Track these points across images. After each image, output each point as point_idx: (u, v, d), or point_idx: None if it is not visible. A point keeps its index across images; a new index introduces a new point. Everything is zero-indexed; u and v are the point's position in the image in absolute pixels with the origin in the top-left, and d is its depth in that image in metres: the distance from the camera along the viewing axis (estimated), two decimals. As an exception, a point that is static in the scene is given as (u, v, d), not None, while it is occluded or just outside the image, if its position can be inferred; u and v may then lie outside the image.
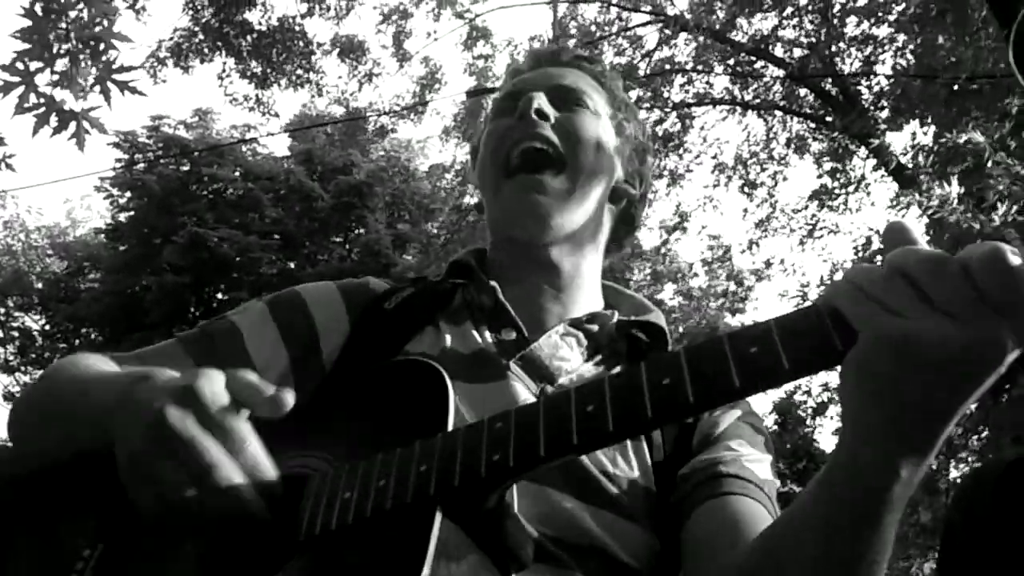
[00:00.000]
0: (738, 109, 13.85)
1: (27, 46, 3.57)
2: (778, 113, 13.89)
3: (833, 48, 12.36)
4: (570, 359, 1.26)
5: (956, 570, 1.43)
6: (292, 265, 20.72)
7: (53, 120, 3.56)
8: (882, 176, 12.70)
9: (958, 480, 10.84)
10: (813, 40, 12.55)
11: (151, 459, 0.88)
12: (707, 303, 19.68)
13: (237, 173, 21.68)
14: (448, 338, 1.25)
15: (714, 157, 14.44)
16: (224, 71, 15.00)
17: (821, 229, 14.10)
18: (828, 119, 12.68)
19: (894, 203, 7.70)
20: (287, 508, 0.96)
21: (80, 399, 1.09)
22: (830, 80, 12.42)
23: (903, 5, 11.32)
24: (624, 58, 12.84)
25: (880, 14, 11.76)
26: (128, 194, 21.67)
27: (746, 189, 14.54)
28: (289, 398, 0.93)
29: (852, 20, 12.28)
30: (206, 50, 14.51)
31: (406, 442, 0.92)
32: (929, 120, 9.48)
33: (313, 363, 1.26)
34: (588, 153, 1.34)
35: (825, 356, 0.77)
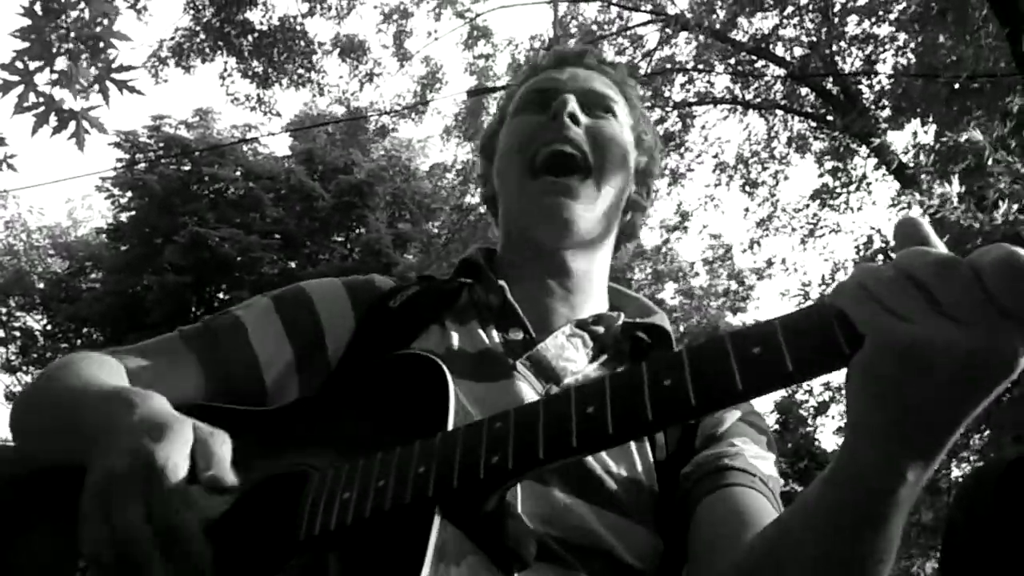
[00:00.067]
0: (739, 108, 13.85)
1: (27, 45, 3.56)
2: (779, 112, 13.89)
3: (834, 47, 12.36)
4: (576, 360, 1.26)
5: (958, 570, 1.43)
6: (293, 265, 20.72)
7: (52, 119, 3.55)
8: (883, 175, 12.70)
9: (960, 479, 10.84)
10: (814, 39, 12.55)
11: (97, 503, 0.88)
12: (708, 302, 19.68)
13: (238, 173, 21.68)
14: (455, 337, 1.25)
15: (715, 156, 14.45)
16: (226, 70, 15.01)
17: (822, 228, 14.11)
18: (829, 118, 12.67)
19: (895, 202, 7.69)
20: (287, 507, 0.95)
21: (71, 414, 1.07)
22: (831, 79, 12.41)
23: (904, 4, 11.32)
24: (625, 57, 12.83)
25: (881, 13, 11.76)
26: (129, 194, 21.68)
27: (747, 188, 14.55)
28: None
29: (853, 19, 12.28)
30: (207, 50, 14.51)
31: (407, 440, 0.91)
32: (930, 119, 9.47)
33: (318, 360, 1.26)
34: (614, 163, 1.34)
35: (830, 359, 0.75)
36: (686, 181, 14.71)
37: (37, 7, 3.56)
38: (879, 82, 12.13)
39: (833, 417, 14.47)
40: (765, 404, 19.58)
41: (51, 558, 1.05)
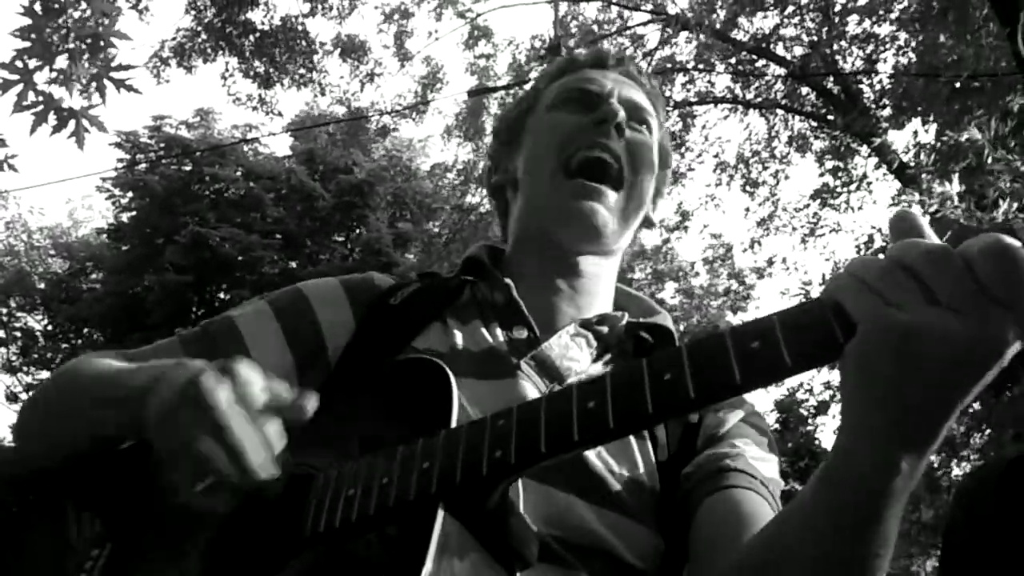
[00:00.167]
0: (740, 108, 13.86)
1: (27, 44, 3.57)
2: (780, 112, 13.90)
3: (835, 46, 12.36)
4: (579, 360, 1.25)
5: (958, 569, 1.43)
6: (294, 264, 20.71)
7: (52, 118, 3.55)
8: (884, 175, 12.71)
9: (960, 478, 10.84)
10: (815, 38, 12.56)
11: (179, 411, 0.91)
12: (708, 302, 19.68)
13: (239, 173, 21.67)
14: (458, 335, 1.24)
15: (716, 156, 14.48)
16: (227, 71, 15.03)
17: (823, 227, 14.13)
18: (830, 117, 12.68)
19: (896, 201, 7.69)
20: (292, 506, 0.96)
21: (110, 386, 1.10)
22: (832, 78, 12.42)
23: (904, 3, 11.33)
24: (625, 57, 12.82)
25: (881, 12, 11.77)
26: (130, 194, 21.67)
27: (748, 188, 14.56)
28: (310, 405, 0.95)
29: (853, 18, 12.29)
30: (209, 50, 14.53)
31: (410, 441, 0.92)
32: (931, 118, 9.47)
33: (318, 362, 1.25)
34: (645, 178, 1.35)
35: (827, 350, 0.75)
36: (687, 181, 14.73)
37: (37, 6, 3.56)
38: (880, 81, 12.14)
39: (833, 416, 14.45)
40: (765, 403, 19.61)
41: (60, 558, 1.06)
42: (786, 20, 12.82)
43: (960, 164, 6.46)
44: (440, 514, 0.84)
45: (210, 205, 21.16)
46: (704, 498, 1.10)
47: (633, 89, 1.39)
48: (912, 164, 10.25)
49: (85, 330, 22.35)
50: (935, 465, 10.89)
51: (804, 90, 13.22)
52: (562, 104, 1.37)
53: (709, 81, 13.50)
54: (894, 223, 0.77)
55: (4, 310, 23.47)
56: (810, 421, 16.30)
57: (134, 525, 1.06)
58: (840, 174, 13.58)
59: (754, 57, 13.00)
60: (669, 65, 12.79)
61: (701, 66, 13.01)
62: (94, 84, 3.54)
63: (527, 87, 1.55)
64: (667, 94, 12.77)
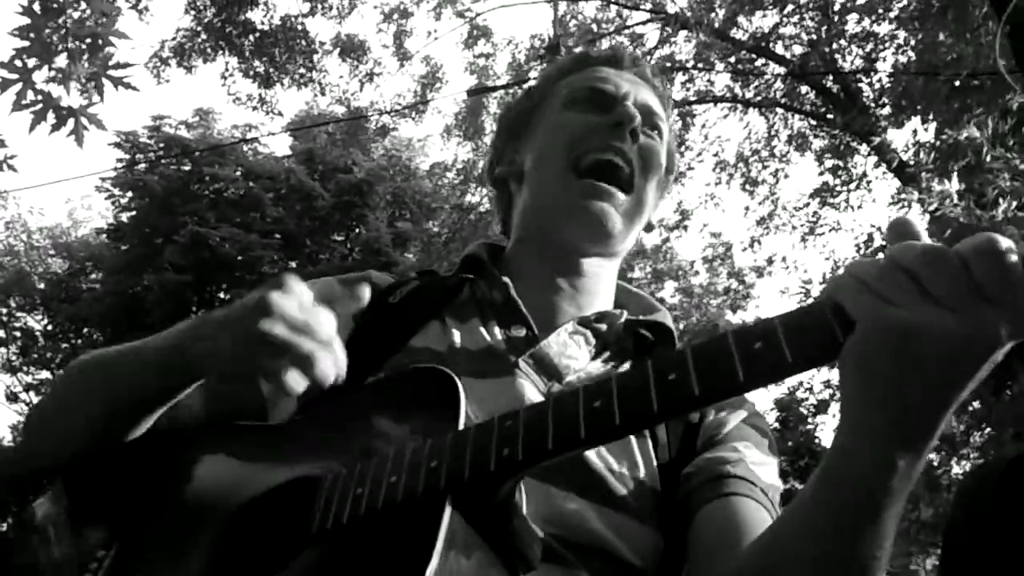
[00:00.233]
0: (739, 107, 13.87)
1: (26, 44, 3.57)
2: (779, 110, 13.91)
3: (834, 45, 12.36)
4: (578, 357, 1.25)
5: (958, 568, 1.43)
6: (293, 264, 20.71)
7: (50, 117, 3.56)
8: (883, 173, 12.71)
9: (960, 476, 10.85)
10: (814, 37, 12.55)
11: (244, 317, 0.97)
12: (708, 301, 19.68)
13: (238, 173, 21.67)
14: (456, 334, 1.24)
15: (716, 155, 14.49)
16: (227, 70, 15.03)
17: (823, 226, 14.14)
18: (829, 116, 12.69)
19: (895, 200, 7.69)
20: (299, 505, 0.97)
21: (135, 357, 1.13)
22: (831, 77, 12.42)
23: (903, 2, 11.33)
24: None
25: (881, 11, 11.76)
26: (129, 194, 21.67)
27: (747, 187, 14.57)
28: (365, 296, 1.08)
29: (853, 17, 12.29)
30: (209, 50, 14.53)
31: (417, 444, 0.93)
32: (930, 117, 9.47)
33: None
34: (652, 186, 1.35)
35: (828, 350, 0.77)
36: (686, 180, 14.71)
37: (36, 6, 3.56)
38: (879, 80, 12.14)
39: (833, 415, 14.47)
40: (765, 402, 19.62)
41: (65, 558, 1.07)
42: (785, 19, 12.83)
43: (959, 162, 6.47)
44: (448, 510, 0.84)
45: (209, 205, 21.15)
46: (703, 504, 1.10)
47: (647, 92, 1.39)
48: (912, 163, 10.25)
49: (85, 330, 22.36)
50: (935, 463, 10.91)
51: (803, 89, 13.22)
52: (576, 102, 1.36)
53: (708, 80, 13.52)
54: (892, 229, 0.79)
55: (4, 310, 23.48)
56: (810, 420, 16.32)
57: (139, 526, 1.06)
58: (840, 173, 13.60)
59: (753, 56, 13.00)
60: (668, 64, 12.78)
61: (700, 65, 13.01)
62: (92, 83, 3.54)
63: (536, 80, 1.53)
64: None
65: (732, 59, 13.02)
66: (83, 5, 3.78)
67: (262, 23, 14.43)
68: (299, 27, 14.71)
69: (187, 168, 21.66)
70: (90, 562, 1.03)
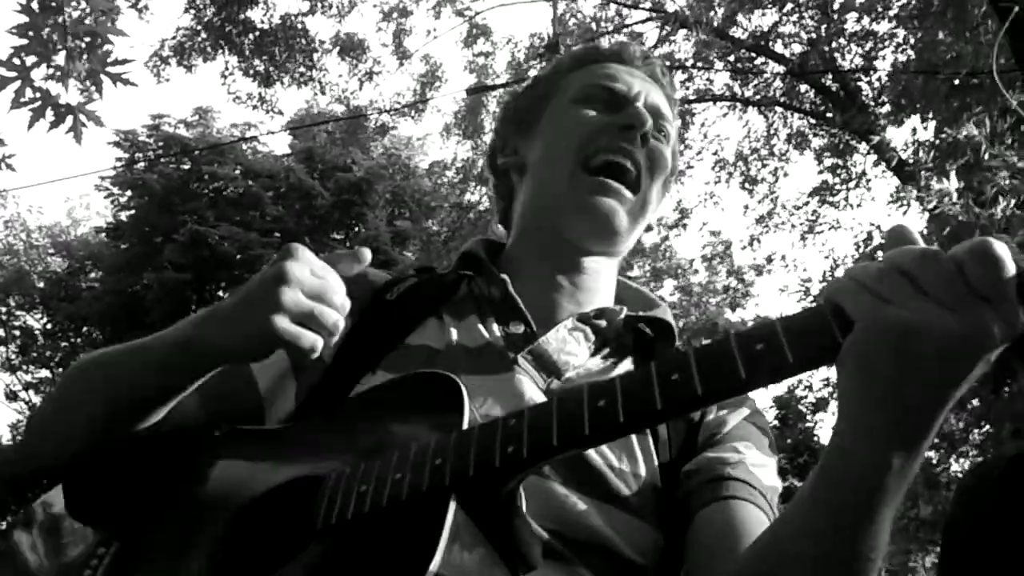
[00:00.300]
0: (739, 105, 13.87)
1: (24, 42, 3.57)
2: (779, 109, 13.91)
3: (833, 44, 12.36)
4: (577, 354, 1.25)
5: (958, 567, 1.43)
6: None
7: (49, 114, 3.56)
8: (883, 172, 12.71)
9: (959, 474, 10.86)
10: (813, 36, 12.55)
11: (272, 284, 1.00)
12: (707, 299, 19.68)
13: (237, 171, 21.65)
14: (453, 331, 1.24)
15: (715, 153, 14.49)
16: (227, 69, 15.03)
17: (822, 225, 14.15)
18: (829, 115, 12.68)
19: (895, 199, 7.70)
20: (303, 502, 0.97)
21: (135, 356, 1.14)
22: (830, 76, 12.42)
23: (903, 0, 11.31)
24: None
25: (880, 9, 11.76)
26: (129, 193, 21.65)
27: (747, 185, 14.58)
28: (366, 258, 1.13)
29: (852, 15, 12.28)
30: (209, 49, 14.53)
31: (422, 444, 0.93)
32: (930, 115, 9.47)
33: (315, 361, 1.25)
34: (657, 187, 1.34)
35: (828, 351, 0.79)
36: (686, 178, 14.71)
37: (34, 4, 3.56)
38: (879, 79, 12.14)
39: (832, 413, 14.46)
40: (764, 399, 19.62)
41: (65, 556, 1.07)
42: (785, 17, 12.82)
43: (958, 161, 6.47)
44: (452, 506, 0.85)
45: (209, 203, 21.14)
46: (702, 507, 1.11)
47: (657, 93, 1.38)
48: (911, 161, 10.25)
49: (84, 328, 22.35)
50: (934, 461, 10.92)
51: (803, 88, 13.22)
52: (586, 100, 1.34)
53: (708, 79, 13.51)
54: (890, 236, 0.82)
55: (3, 309, 23.48)
56: (809, 417, 16.34)
57: (139, 524, 1.06)
58: (839, 171, 13.60)
59: (753, 55, 12.99)
60: (667, 63, 12.77)
61: (700, 64, 13.01)
62: (91, 80, 3.54)
63: (544, 71, 1.51)
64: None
65: (731, 58, 13.02)
66: (82, 3, 3.77)
67: (262, 22, 14.44)
68: (299, 26, 14.72)
69: (186, 167, 21.64)
70: (90, 560, 1.03)
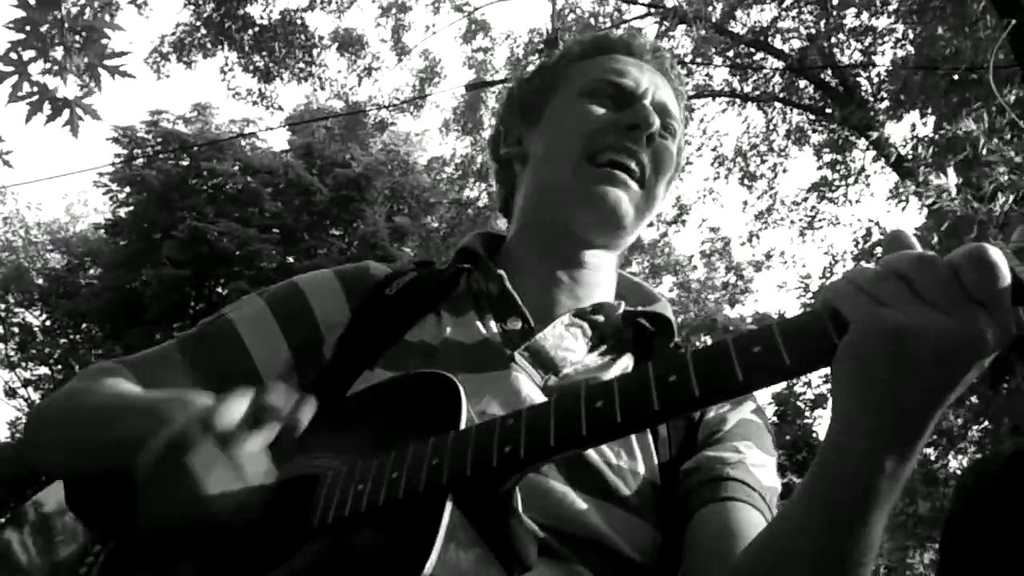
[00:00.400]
0: (738, 101, 13.87)
1: (21, 36, 3.56)
2: (778, 105, 13.91)
3: (832, 39, 12.35)
4: (574, 350, 1.24)
5: (957, 563, 1.43)
6: (291, 259, 20.69)
7: (46, 108, 3.55)
8: (882, 168, 12.71)
9: (957, 471, 10.87)
10: (812, 31, 12.54)
11: (166, 467, 0.92)
12: (706, 295, 19.69)
13: (236, 167, 21.62)
14: (451, 328, 1.23)
15: (714, 149, 14.50)
16: (227, 65, 15.03)
17: (821, 221, 14.16)
18: (828, 111, 12.68)
19: (893, 194, 7.70)
20: (299, 502, 0.97)
21: (106, 430, 1.10)
22: (830, 71, 12.41)
23: (902, -4, 11.31)
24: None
25: (879, 5, 11.75)
26: (127, 189, 21.62)
27: (746, 181, 14.58)
28: (306, 416, 0.96)
29: (851, 11, 12.26)
30: (208, 44, 14.52)
31: (419, 443, 0.93)
32: (929, 111, 9.47)
33: (316, 355, 1.25)
34: (661, 187, 1.34)
35: (825, 353, 0.79)
36: (684, 174, 14.71)
37: (31, -1, 3.56)
38: (878, 74, 12.15)
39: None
40: (763, 396, 19.63)
41: (59, 556, 1.07)
42: (784, 13, 12.82)
43: (957, 156, 6.47)
44: (448, 505, 0.85)
45: (208, 200, 21.11)
46: (701, 507, 1.10)
47: (665, 88, 1.36)
48: (910, 157, 10.24)
49: (83, 325, 22.34)
50: (932, 458, 10.92)
51: (802, 83, 13.22)
52: (593, 94, 1.32)
53: (707, 74, 13.52)
54: (887, 241, 0.83)
55: (2, 306, 23.46)
56: (807, 414, 16.34)
57: (133, 524, 1.06)
58: (838, 167, 13.61)
59: (752, 50, 12.99)
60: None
61: (699, 59, 13.00)
62: (89, 74, 3.54)
63: (550, 60, 1.48)
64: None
65: (730, 53, 13.01)
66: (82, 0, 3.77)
67: (261, 17, 14.45)
68: (298, 21, 14.71)
69: (185, 163, 21.62)
70: (84, 557, 1.04)
